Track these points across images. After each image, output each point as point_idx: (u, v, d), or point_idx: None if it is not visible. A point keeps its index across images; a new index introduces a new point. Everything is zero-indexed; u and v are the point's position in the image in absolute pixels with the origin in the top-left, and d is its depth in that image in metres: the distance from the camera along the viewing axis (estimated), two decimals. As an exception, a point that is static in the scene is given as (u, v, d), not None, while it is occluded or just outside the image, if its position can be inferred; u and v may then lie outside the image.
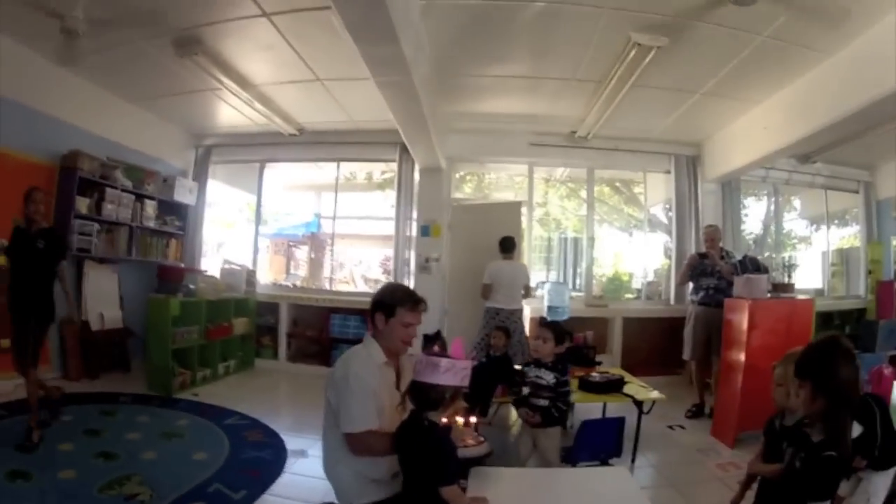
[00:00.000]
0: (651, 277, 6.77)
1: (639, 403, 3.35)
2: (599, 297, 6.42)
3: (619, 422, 2.95)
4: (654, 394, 3.44)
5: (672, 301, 6.22)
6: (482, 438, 2.29)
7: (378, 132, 6.06)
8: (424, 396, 1.68)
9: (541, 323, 3.10)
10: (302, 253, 8.24)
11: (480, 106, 5.55)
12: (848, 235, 7.79)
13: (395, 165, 6.45)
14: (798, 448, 1.67)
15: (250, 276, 6.48)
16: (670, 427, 4.35)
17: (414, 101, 3.97)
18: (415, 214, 6.33)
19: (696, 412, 4.65)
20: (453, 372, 1.66)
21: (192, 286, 5.44)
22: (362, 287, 7.70)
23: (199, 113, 6.13)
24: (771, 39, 3.83)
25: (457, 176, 7.12)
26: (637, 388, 3.58)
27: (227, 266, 6.44)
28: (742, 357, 3.90)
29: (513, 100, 5.33)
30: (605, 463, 2.92)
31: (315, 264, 7.68)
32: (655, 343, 5.97)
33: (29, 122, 4.77)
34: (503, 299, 5.04)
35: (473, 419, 2.40)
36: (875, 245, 7.06)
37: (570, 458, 2.81)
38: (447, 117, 5.77)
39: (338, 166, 6.88)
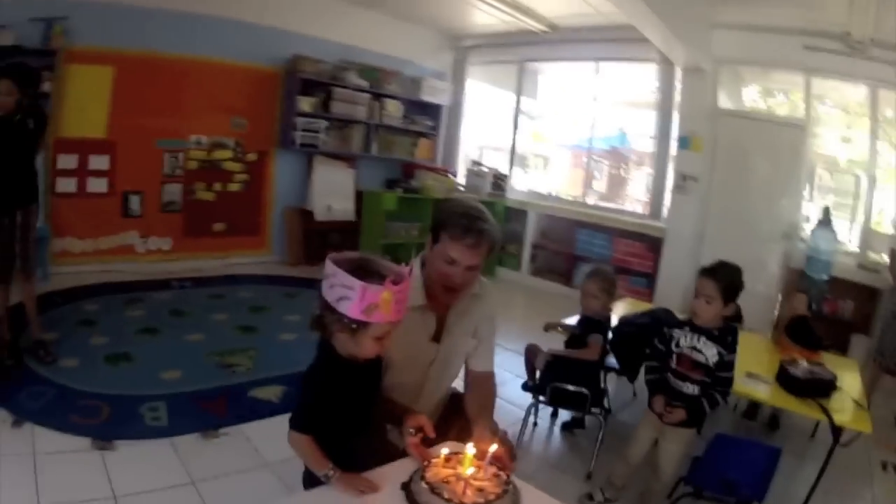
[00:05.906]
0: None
1: (836, 429, 2.33)
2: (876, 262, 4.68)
3: (774, 454, 2.17)
4: (867, 422, 2.37)
5: None
6: (506, 484, 1.19)
7: (632, 28, 5.25)
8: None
9: (701, 271, 2.17)
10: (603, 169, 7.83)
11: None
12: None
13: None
14: None
15: (498, 179, 6.39)
16: (883, 467, 2.95)
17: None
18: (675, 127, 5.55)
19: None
20: (349, 289, 1.10)
21: (415, 183, 5.55)
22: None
23: (446, 15, 6.03)
24: None
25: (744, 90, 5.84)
26: (850, 402, 2.51)
27: (474, 168, 6.54)
28: None
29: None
30: (743, 504, 2.22)
31: (614, 181, 7.30)
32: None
33: (250, 36, 5.20)
34: None
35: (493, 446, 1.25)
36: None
37: (693, 480, 2.21)
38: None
39: (597, 67, 6.31)
